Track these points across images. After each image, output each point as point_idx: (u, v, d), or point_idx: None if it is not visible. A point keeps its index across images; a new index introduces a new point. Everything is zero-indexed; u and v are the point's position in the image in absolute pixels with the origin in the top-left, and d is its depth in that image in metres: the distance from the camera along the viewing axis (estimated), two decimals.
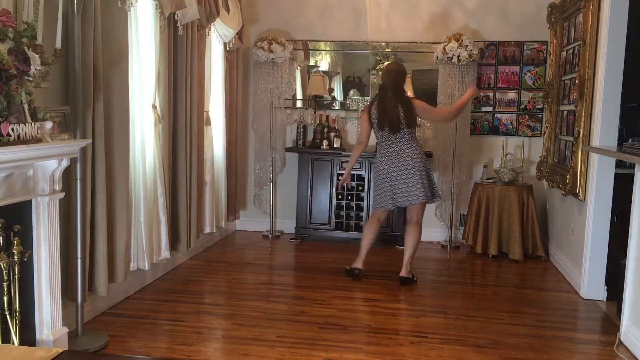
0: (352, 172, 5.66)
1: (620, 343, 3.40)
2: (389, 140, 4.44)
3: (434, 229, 5.94)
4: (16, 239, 2.54)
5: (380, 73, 4.53)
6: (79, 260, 3.15)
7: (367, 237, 4.62)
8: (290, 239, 5.88)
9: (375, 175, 4.60)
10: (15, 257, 2.53)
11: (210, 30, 4.93)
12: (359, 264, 4.58)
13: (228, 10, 5.22)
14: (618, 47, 4.03)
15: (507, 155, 5.59)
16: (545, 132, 5.54)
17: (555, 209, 5.35)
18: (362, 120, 4.59)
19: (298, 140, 6.01)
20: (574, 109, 4.52)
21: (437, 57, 5.55)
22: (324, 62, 6.20)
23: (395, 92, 4.44)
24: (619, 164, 4.08)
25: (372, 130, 4.52)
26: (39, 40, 2.64)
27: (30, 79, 2.60)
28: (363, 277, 4.60)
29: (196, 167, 4.70)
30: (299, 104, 6.12)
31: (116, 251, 3.57)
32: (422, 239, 5.89)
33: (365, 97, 6.01)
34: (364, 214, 5.75)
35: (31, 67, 2.50)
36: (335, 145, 5.83)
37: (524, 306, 4.08)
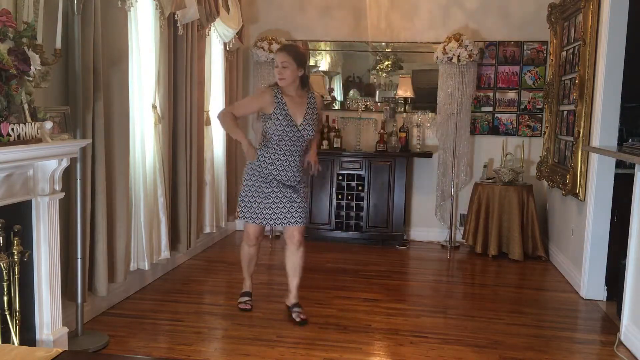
0: (352, 172, 5.69)
1: (620, 343, 3.40)
2: None
3: (434, 229, 5.95)
4: (16, 239, 2.53)
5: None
6: (79, 260, 3.15)
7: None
8: None
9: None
10: (15, 257, 2.52)
11: (210, 30, 4.93)
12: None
13: (228, 10, 5.22)
14: (618, 47, 4.03)
15: (507, 155, 5.58)
16: (545, 132, 5.54)
17: (555, 209, 5.34)
18: None
19: None
20: (574, 109, 4.52)
21: (437, 57, 5.55)
22: (324, 62, 6.20)
23: None
24: (619, 164, 4.08)
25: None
26: (39, 40, 2.64)
27: (30, 79, 2.59)
28: (363, 277, 4.60)
29: (196, 167, 4.70)
30: None
31: (116, 251, 3.57)
32: (422, 239, 5.96)
33: (366, 97, 6.01)
34: (364, 213, 5.74)
35: (31, 67, 2.50)
36: (335, 146, 5.82)
37: (524, 306, 4.07)
